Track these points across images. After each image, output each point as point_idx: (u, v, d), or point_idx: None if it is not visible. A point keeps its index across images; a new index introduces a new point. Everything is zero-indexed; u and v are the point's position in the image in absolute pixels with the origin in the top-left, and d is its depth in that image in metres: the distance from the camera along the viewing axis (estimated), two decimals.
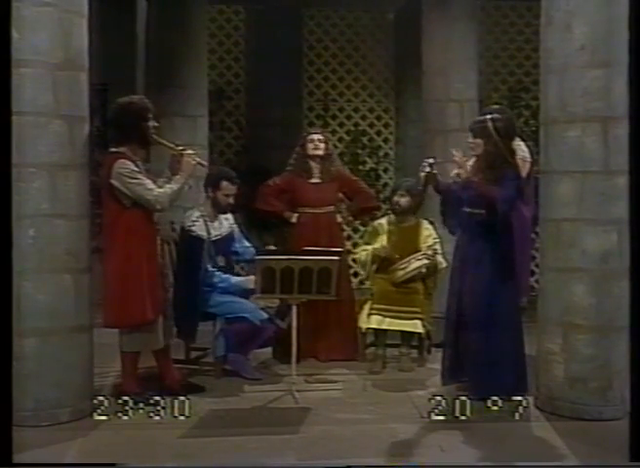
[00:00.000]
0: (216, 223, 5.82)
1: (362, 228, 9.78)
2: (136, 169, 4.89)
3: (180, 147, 5.19)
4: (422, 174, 5.27)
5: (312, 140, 6.30)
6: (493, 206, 4.96)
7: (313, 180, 6.33)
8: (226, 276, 5.72)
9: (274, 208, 6.39)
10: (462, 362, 5.19)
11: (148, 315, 4.93)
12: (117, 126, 5.00)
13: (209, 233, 5.73)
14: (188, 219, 5.70)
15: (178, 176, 5.03)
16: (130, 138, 4.94)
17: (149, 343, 5.06)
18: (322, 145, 6.30)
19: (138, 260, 4.88)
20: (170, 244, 5.58)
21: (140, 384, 5.07)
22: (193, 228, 5.65)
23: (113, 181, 4.84)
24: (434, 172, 5.23)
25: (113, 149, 4.97)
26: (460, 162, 5.10)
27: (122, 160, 4.87)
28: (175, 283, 5.42)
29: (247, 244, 6.02)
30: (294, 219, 6.35)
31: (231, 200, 5.81)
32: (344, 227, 10.14)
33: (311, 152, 6.28)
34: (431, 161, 5.26)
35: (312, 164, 6.31)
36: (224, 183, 5.78)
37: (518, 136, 5.55)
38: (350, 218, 6.47)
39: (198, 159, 5.16)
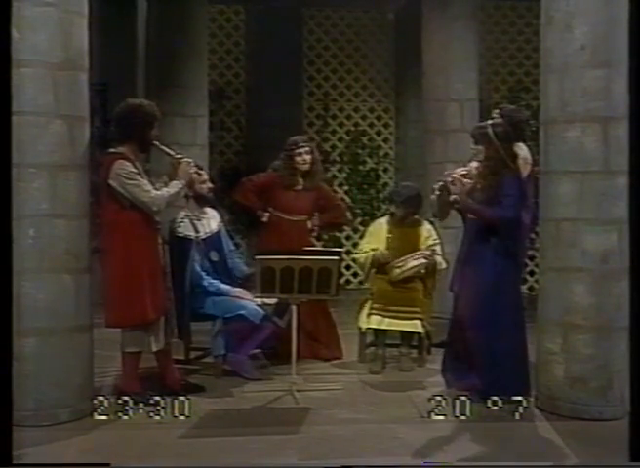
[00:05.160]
0: (203, 221, 5.82)
1: (362, 228, 9.80)
2: (134, 170, 4.90)
3: (179, 155, 5.23)
4: (433, 197, 5.30)
5: (300, 154, 6.29)
6: (493, 226, 5.02)
7: (295, 188, 6.36)
8: (215, 281, 5.70)
9: (250, 203, 6.41)
10: (466, 363, 5.19)
11: (150, 315, 4.94)
12: (122, 126, 5.00)
13: (197, 231, 5.73)
14: (174, 221, 5.71)
15: (175, 182, 5.08)
16: (132, 141, 4.96)
17: (151, 343, 5.06)
18: (309, 157, 6.31)
19: (137, 260, 4.89)
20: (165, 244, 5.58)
21: (141, 384, 5.07)
22: (179, 229, 5.66)
23: (111, 182, 4.86)
24: (450, 198, 5.21)
25: (112, 150, 4.99)
26: (456, 181, 5.14)
27: (121, 160, 4.88)
28: None
29: (232, 247, 6.06)
30: (264, 219, 6.38)
31: (209, 185, 5.81)
32: (345, 228, 10.28)
33: (299, 167, 6.30)
34: (440, 184, 5.27)
35: (298, 175, 6.34)
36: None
37: (528, 139, 5.57)
38: (317, 228, 6.53)
39: (195, 168, 5.22)
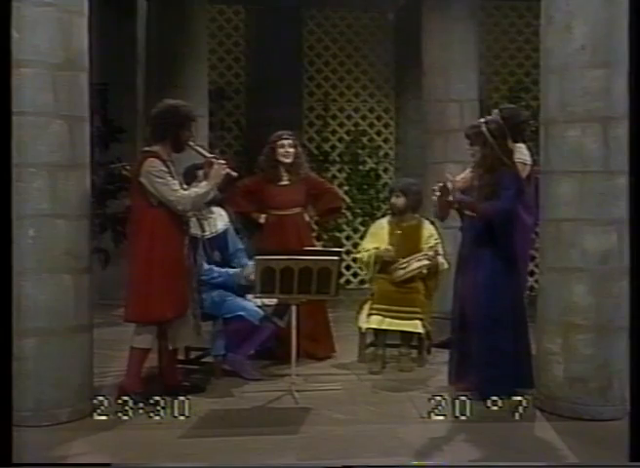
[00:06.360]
0: (210, 220, 5.83)
1: (362, 228, 9.81)
2: (164, 169, 4.92)
3: (213, 155, 5.24)
4: (434, 197, 5.27)
5: (283, 146, 6.29)
6: (490, 220, 5.02)
7: (281, 183, 6.34)
8: (224, 270, 5.73)
9: (242, 209, 6.41)
10: (468, 362, 5.19)
11: (167, 314, 4.96)
12: (157, 125, 5.02)
13: (203, 230, 5.74)
14: None
15: (205, 182, 5.08)
16: (166, 140, 4.98)
17: (170, 340, 5.10)
18: (292, 150, 6.29)
19: (160, 258, 4.89)
20: None
21: (142, 384, 5.07)
22: None
23: (142, 179, 4.89)
24: (449, 198, 5.18)
25: (146, 148, 5.03)
26: (453, 187, 5.17)
27: (152, 159, 4.91)
28: None
29: (240, 246, 6.05)
30: (262, 220, 6.37)
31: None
32: (345, 228, 10.29)
33: (281, 159, 6.29)
34: (440, 185, 5.21)
35: (281, 168, 6.32)
36: (201, 173, 5.76)
37: (526, 138, 5.58)
38: (317, 218, 6.55)
39: (228, 169, 5.18)
